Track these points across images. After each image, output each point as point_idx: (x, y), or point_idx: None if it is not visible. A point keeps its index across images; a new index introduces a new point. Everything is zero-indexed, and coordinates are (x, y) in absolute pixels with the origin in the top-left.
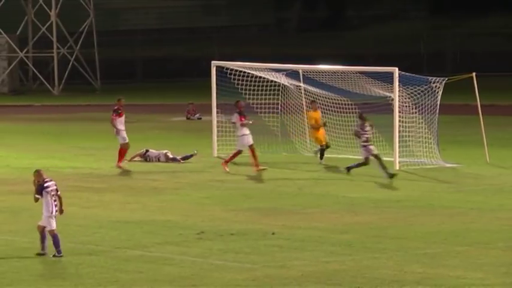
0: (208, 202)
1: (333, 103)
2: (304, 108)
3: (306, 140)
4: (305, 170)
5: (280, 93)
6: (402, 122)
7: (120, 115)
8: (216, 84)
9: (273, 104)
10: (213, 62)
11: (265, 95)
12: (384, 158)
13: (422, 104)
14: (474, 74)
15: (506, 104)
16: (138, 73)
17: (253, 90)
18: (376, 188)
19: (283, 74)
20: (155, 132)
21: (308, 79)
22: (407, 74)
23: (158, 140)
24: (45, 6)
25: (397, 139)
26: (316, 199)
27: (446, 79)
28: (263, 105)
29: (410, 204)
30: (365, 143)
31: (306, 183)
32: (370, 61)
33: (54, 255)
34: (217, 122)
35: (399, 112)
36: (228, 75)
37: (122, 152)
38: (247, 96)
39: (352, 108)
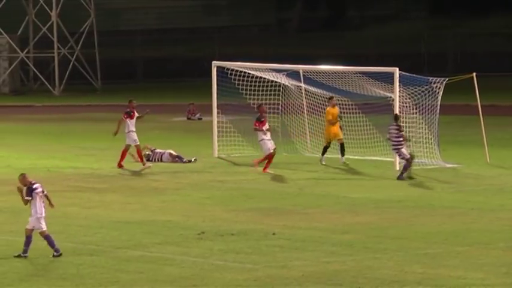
0: (209, 202)
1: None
2: (305, 108)
3: (307, 141)
4: (306, 171)
5: (281, 93)
6: (403, 122)
7: (131, 117)
8: (217, 84)
9: (274, 104)
10: (213, 62)
11: (266, 95)
12: (384, 159)
13: (422, 104)
14: (474, 74)
15: (507, 104)
16: (139, 73)
17: (254, 90)
18: (377, 188)
19: (283, 74)
20: (156, 133)
21: (308, 79)
22: (407, 74)
23: (159, 140)
24: (45, 7)
25: None
26: (317, 199)
27: (447, 79)
28: (264, 106)
29: (411, 205)
30: (401, 145)
31: (306, 183)
32: (370, 61)
33: (53, 255)
34: (218, 122)
35: (400, 112)
36: (229, 76)
37: (123, 152)
38: (247, 96)
39: (352, 109)
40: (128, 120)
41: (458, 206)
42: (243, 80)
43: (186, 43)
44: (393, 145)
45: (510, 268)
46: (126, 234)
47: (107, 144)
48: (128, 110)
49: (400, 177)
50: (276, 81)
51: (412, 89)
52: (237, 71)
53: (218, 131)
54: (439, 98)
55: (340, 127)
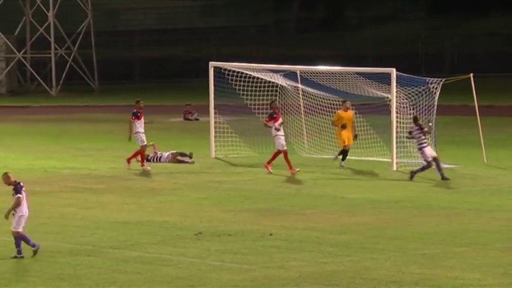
0: (206, 203)
1: (330, 104)
2: (302, 109)
3: (304, 141)
4: (303, 171)
5: (278, 94)
6: (400, 122)
7: (139, 117)
8: (214, 85)
9: None
10: (210, 62)
11: (263, 95)
12: (382, 159)
13: (419, 105)
14: (471, 74)
15: (504, 104)
16: (136, 74)
17: (251, 91)
18: (374, 189)
19: (281, 74)
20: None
21: (306, 80)
22: (404, 74)
23: (156, 140)
24: (43, 7)
25: (394, 140)
26: (314, 200)
27: (444, 80)
28: (261, 106)
29: (408, 205)
30: (424, 145)
31: (304, 184)
32: (368, 62)
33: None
34: (215, 122)
35: (397, 113)
36: (226, 76)
37: (141, 153)
38: (245, 97)
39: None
40: (135, 121)
41: (456, 207)
42: (240, 81)
43: (184, 44)
44: (418, 145)
45: (507, 269)
46: (123, 235)
47: (104, 144)
48: (135, 110)
49: (443, 178)
50: (273, 82)
51: (409, 90)
52: (234, 71)
53: (215, 132)
54: (436, 98)
55: (356, 136)
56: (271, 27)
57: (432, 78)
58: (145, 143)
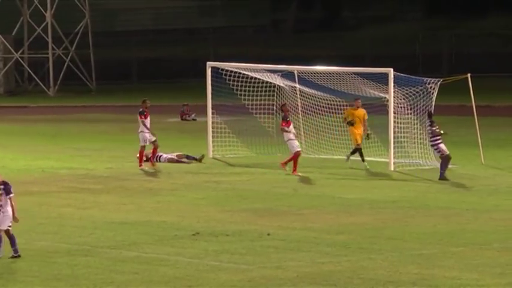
0: (203, 203)
1: (328, 104)
2: (300, 109)
3: (302, 141)
4: (300, 171)
5: (276, 94)
6: (397, 123)
7: (145, 117)
8: (211, 85)
9: (268, 104)
10: (208, 63)
11: (261, 95)
12: (379, 159)
13: (417, 105)
14: (469, 75)
15: (502, 105)
16: (134, 74)
17: (249, 91)
18: (372, 189)
19: (278, 75)
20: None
21: (303, 80)
22: (402, 75)
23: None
24: (40, 7)
25: (392, 140)
26: (311, 200)
27: (441, 80)
28: (258, 106)
29: (405, 205)
30: (438, 141)
31: (301, 184)
32: (366, 62)
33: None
34: (213, 123)
35: (394, 113)
36: (224, 76)
37: (140, 153)
38: (242, 97)
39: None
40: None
41: (453, 207)
42: (237, 81)
43: (181, 44)
44: (431, 141)
45: (505, 269)
46: (120, 235)
47: (102, 145)
48: (141, 109)
49: (441, 177)
50: (270, 82)
51: (407, 90)
52: (231, 71)
53: (213, 132)
54: (434, 98)
55: (368, 135)
56: (268, 27)
57: (430, 79)
58: (146, 143)
